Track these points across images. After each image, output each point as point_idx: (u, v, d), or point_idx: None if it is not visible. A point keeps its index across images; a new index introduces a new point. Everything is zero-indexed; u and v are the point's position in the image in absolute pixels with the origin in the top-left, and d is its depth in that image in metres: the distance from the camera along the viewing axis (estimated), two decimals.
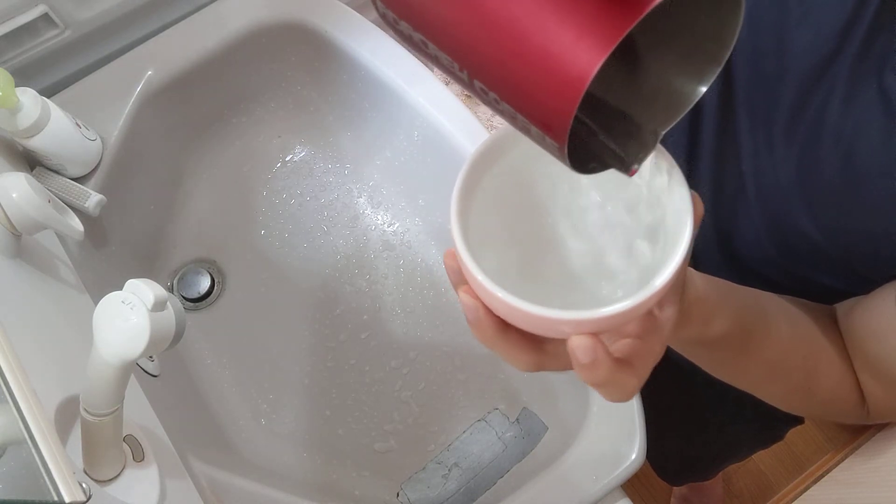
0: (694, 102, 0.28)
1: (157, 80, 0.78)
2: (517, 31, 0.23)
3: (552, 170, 0.35)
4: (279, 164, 0.89)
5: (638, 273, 0.34)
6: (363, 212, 0.87)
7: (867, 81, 0.40)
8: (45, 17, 0.71)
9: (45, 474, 0.37)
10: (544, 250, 0.36)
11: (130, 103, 0.76)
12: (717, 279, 0.42)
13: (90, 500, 0.39)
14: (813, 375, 0.48)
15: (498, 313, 0.32)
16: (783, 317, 0.47)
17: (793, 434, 1.41)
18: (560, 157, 0.26)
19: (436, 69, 0.99)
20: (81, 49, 0.77)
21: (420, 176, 0.84)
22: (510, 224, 0.36)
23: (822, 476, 1.36)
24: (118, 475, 0.50)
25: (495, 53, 0.24)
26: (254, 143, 0.89)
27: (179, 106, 0.82)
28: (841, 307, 0.51)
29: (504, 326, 0.32)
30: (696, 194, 0.32)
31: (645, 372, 0.33)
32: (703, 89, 0.28)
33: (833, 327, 0.50)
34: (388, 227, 0.86)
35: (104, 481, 0.50)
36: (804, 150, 0.45)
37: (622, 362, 0.32)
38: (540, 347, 0.33)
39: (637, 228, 0.34)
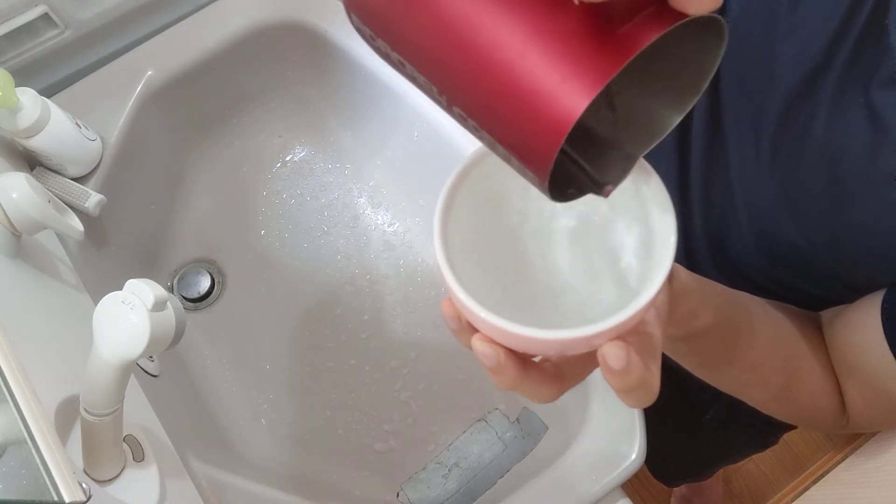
0: (672, 127, 0.28)
1: (157, 80, 0.78)
2: (502, 69, 0.22)
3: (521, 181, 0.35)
4: (279, 164, 0.89)
5: (623, 278, 0.33)
6: (363, 212, 0.87)
7: (854, 96, 0.40)
8: (45, 17, 0.71)
9: (45, 474, 0.37)
10: (527, 266, 0.35)
11: (130, 103, 0.76)
12: (700, 276, 0.42)
13: (90, 500, 0.39)
14: (793, 379, 0.48)
15: (511, 346, 0.30)
16: (765, 318, 0.47)
17: (793, 434, 1.41)
18: (541, 189, 0.25)
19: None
20: (81, 49, 0.77)
21: (420, 176, 0.84)
22: (488, 244, 0.34)
23: (822, 476, 1.36)
24: (118, 475, 0.50)
25: (478, 86, 0.23)
26: (254, 143, 0.89)
27: (179, 106, 0.82)
28: (826, 315, 0.51)
29: (525, 366, 0.31)
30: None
31: (659, 365, 0.31)
32: (679, 118, 0.27)
33: (816, 334, 0.49)
34: (389, 227, 0.86)
35: (104, 481, 0.50)
36: (790, 163, 0.45)
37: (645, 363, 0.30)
38: (560, 376, 0.32)
39: (621, 234, 0.34)
